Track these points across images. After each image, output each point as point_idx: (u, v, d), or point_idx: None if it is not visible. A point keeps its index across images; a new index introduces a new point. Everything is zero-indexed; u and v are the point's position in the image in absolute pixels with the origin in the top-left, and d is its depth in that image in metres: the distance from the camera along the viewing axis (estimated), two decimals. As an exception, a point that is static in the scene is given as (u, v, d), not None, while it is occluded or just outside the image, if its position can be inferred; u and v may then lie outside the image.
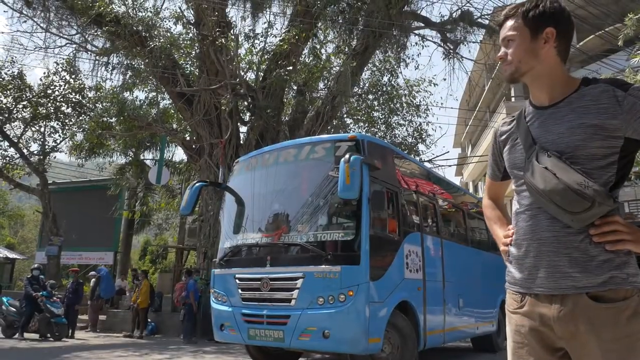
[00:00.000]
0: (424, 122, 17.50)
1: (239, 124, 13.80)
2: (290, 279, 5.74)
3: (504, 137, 1.81)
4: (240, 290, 6.09)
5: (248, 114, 14.63)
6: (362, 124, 17.30)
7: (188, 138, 15.27)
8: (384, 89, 16.09)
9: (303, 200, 6.19)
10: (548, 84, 1.66)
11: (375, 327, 5.50)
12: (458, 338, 8.72)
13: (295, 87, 14.79)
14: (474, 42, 15.13)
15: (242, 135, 14.09)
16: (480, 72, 22.25)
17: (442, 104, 41.04)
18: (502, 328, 9.19)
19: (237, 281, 6.14)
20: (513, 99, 23.23)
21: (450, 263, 7.63)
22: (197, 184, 7.02)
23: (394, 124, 17.16)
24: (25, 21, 14.11)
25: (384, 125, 17.02)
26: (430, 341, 6.70)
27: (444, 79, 42.43)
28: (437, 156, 38.68)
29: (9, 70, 17.92)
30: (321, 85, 15.32)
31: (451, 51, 14.83)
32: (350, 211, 5.86)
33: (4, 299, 11.99)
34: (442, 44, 14.90)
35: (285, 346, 5.78)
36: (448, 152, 39.74)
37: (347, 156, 5.37)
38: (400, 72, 15.94)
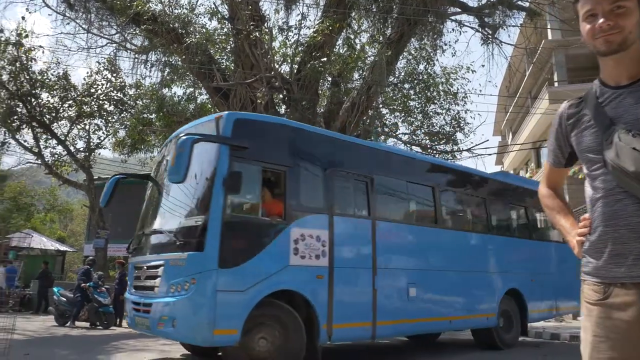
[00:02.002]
0: (462, 110, 17.09)
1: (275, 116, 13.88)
2: (154, 267, 5.74)
3: (571, 120, 1.73)
4: (133, 279, 6.38)
5: (283, 106, 14.68)
6: (398, 113, 17.11)
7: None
8: (420, 77, 15.83)
9: (175, 188, 5.96)
10: (633, 61, 1.59)
11: (228, 318, 5.13)
12: (406, 332, 8.04)
13: (330, 79, 14.74)
14: (513, 26, 14.62)
15: (278, 128, 14.16)
16: (520, 57, 21.52)
17: (480, 91, 39.89)
18: (512, 322, 8.74)
19: (132, 269, 6.43)
20: (556, 84, 22.38)
21: (394, 247, 7.06)
22: (113, 177, 7.02)
23: (431, 113, 16.88)
24: (68, 23, 14.61)
25: (420, 115, 16.76)
26: (343, 335, 6.30)
27: (483, 65, 41.19)
28: (476, 145, 37.79)
29: (55, 71, 18.66)
30: (356, 75, 15.21)
31: (490, 36, 14.39)
32: (204, 196, 5.51)
33: (56, 290, 12.60)
34: (480, 29, 14.47)
35: (153, 334, 5.86)
36: (487, 140, 38.69)
37: (177, 138, 5.26)
38: (437, 60, 15.65)
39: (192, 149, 5.26)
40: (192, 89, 16.17)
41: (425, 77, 15.75)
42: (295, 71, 13.02)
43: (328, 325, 5.93)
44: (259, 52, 12.24)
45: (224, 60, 15.28)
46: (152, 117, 16.88)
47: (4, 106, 18.10)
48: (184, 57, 13.14)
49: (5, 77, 17.52)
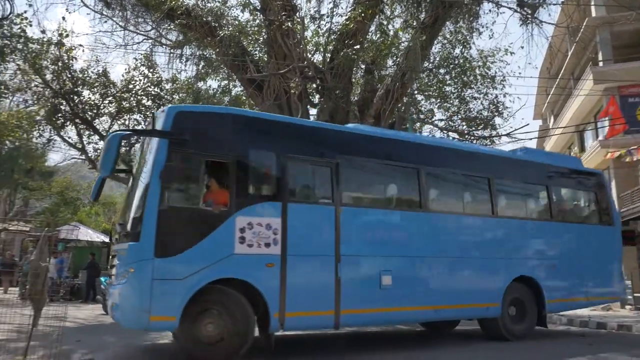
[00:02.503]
0: (500, 94, 16.62)
1: (308, 106, 13.87)
2: (114, 256, 6.28)
3: None
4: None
5: (317, 96, 14.64)
6: (433, 99, 16.79)
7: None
8: (456, 61, 15.44)
9: (134, 181, 6.29)
10: None
11: (165, 305, 5.30)
12: (380, 321, 7.73)
13: (363, 66, 14.59)
14: (554, 4, 14.06)
15: (312, 118, 14.17)
16: (562, 37, 20.67)
17: (519, 73, 38.68)
18: (526, 312, 8.16)
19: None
20: (601, 64, 21.39)
21: (364, 234, 6.80)
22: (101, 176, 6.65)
23: (467, 98, 16.49)
24: (105, 21, 14.96)
25: (457, 100, 16.39)
26: (298, 323, 6.28)
27: (522, 47, 39.95)
28: (515, 129, 36.66)
29: (94, 69, 19.21)
30: (390, 62, 15.00)
31: (529, 16, 13.85)
32: (144, 188, 5.63)
33: (103, 280, 13.09)
34: (518, 9, 13.95)
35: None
36: (528, 124, 37.45)
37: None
38: (473, 43, 15.20)
39: (120, 144, 5.77)
40: (226, 82, 16.34)
41: (461, 61, 15.36)
42: (328, 60, 12.94)
43: (280, 313, 5.95)
44: (291, 42, 12.22)
45: (257, 52, 15.35)
46: (188, 110, 17.14)
47: (48, 104, 18.80)
48: (217, 50, 13.27)
49: (49, 77, 18.17)
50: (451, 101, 16.53)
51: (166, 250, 5.45)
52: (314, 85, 13.76)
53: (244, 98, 17.44)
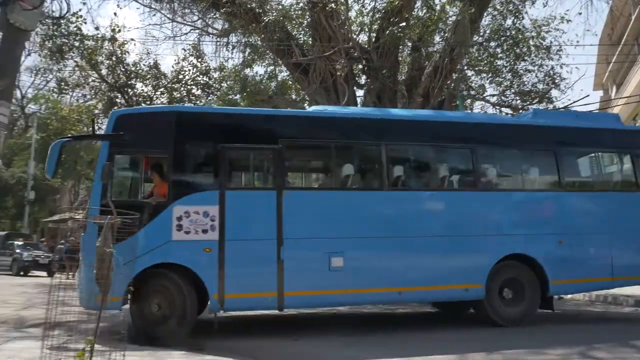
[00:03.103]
0: (556, 65, 15.75)
1: (355, 87, 13.74)
2: None
3: None
4: None
5: (363, 76, 14.46)
6: (484, 74, 16.16)
7: (307, 107, 15.63)
8: (508, 33, 14.74)
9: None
10: None
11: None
12: (331, 303, 7.56)
13: (410, 44, 14.26)
14: (615, -35, 13.09)
15: (359, 100, 14.03)
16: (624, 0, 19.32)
17: (577, 42, 36.52)
18: (524, 294, 7.33)
19: None
20: (668, 26, 19.86)
21: (308, 217, 6.79)
22: (56, 142, 6.60)
23: (521, 71, 15.74)
24: (154, 14, 15.38)
25: (509, 74, 15.70)
26: (239, 304, 6.46)
27: (579, 13, 37.57)
28: (574, 102, 34.93)
29: (146, 62, 19.82)
30: (437, 38, 14.57)
31: (587, -20, 13.02)
32: (93, 186, 6.39)
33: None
34: (575, -27, 13.13)
35: None
36: (587, 95, 35.40)
37: None
38: (526, 13, 14.38)
39: (61, 150, 6.32)
40: (272, 67, 16.42)
41: (513, 32, 14.65)
42: (373, 39, 12.74)
43: (219, 294, 6.26)
44: (335, 23, 12.10)
45: (301, 36, 15.31)
46: (236, 97, 17.42)
47: (105, 98, 19.62)
48: (262, 36, 13.34)
49: (104, 71, 18.93)
50: (503, 75, 15.85)
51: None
52: (360, 66, 13.60)
53: (290, 83, 17.49)
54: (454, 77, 14.31)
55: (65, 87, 20.70)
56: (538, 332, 7.07)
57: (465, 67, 15.49)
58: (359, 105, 13.41)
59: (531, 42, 15.03)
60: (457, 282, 7.15)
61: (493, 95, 16.76)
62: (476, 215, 7.49)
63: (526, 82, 15.95)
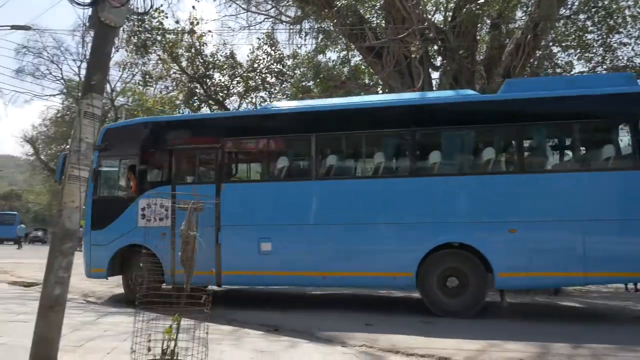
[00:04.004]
0: (657, 37, 14.28)
1: (430, 69, 13.33)
2: None
3: None
4: None
5: (439, 58, 13.99)
6: (572, 50, 15.03)
7: (380, 91, 15.42)
8: (600, 4, 13.57)
9: None
10: None
11: (97, 262, 8.18)
12: (263, 283, 8.17)
13: (488, 22, 13.56)
14: None
15: (434, 82, 13.61)
16: None
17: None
18: (467, 285, 6.85)
19: None
20: None
21: (241, 206, 7.70)
22: (62, 154, 8.95)
23: (614, 45, 14.45)
24: (230, 5, 15.82)
25: (601, 48, 14.47)
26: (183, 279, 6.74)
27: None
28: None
29: (223, 52, 20.48)
30: (519, 13, 13.75)
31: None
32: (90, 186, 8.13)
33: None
34: None
35: None
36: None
37: None
38: (621, -20, 13.13)
39: (65, 160, 7.67)
40: (345, 52, 16.33)
41: (606, 2, 13.46)
42: (449, 19, 12.25)
43: (172, 271, 7.19)
44: (410, 3, 11.74)
45: (374, 18, 15.06)
46: (309, 84, 17.55)
47: (185, 89, 20.56)
48: (335, 21, 13.27)
49: (184, 63, 19.80)
50: (594, 50, 14.66)
51: (97, 226, 8.31)
52: (436, 47, 13.15)
53: (364, 67, 17.32)
54: (538, 55, 13.45)
55: (150, 80, 21.93)
56: (618, 330, 6.55)
57: (551, 43, 14.49)
58: (434, 88, 13.02)
59: (627, 12, 13.73)
60: (384, 269, 7.16)
61: (582, 72, 15.58)
62: (406, 203, 7.25)
63: (621, 57, 14.64)
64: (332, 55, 36.68)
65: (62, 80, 37.13)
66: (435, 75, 13.92)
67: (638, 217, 6.54)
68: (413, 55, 12.30)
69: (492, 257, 6.82)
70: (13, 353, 3.92)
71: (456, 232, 7.07)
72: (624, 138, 7.04)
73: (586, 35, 14.16)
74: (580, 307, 8.62)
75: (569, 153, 7.60)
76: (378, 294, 10.12)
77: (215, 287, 8.40)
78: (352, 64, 17.43)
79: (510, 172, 7.30)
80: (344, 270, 7.30)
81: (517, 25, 13.26)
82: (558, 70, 15.20)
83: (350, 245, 7.32)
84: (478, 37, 13.69)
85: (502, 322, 6.86)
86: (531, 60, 12.88)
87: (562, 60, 15.59)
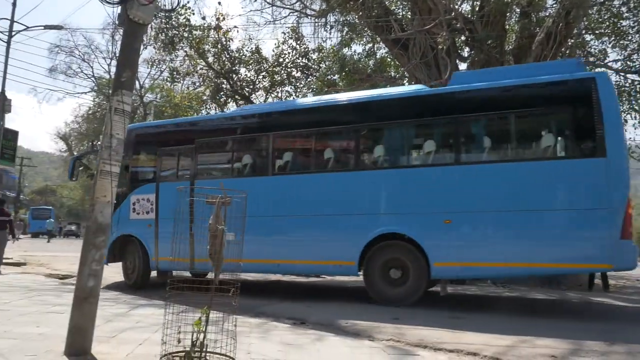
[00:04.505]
0: (697, 22, 13.67)
1: (457, 61, 13.11)
2: None
3: None
4: None
5: (467, 49, 13.74)
6: (606, 38, 14.54)
7: (407, 84, 15.24)
8: (636, -12, 13.07)
9: None
10: None
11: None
12: (229, 269, 8.07)
13: (518, 10, 13.23)
14: None
15: (461, 73, 13.38)
16: None
17: None
18: (409, 276, 7.05)
19: None
20: None
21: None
22: (72, 158, 10.90)
23: (651, 31, 13.91)
24: (255, 0, 15.84)
25: (637, 35, 13.96)
26: (167, 265, 8.76)
27: None
28: None
29: (248, 48, 20.60)
30: (550, 1, 13.35)
31: None
32: None
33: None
34: None
35: None
36: None
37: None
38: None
39: (75, 163, 10.43)
40: (370, 45, 16.19)
41: (642, -13, 12.96)
42: (477, 8, 12.01)
43: (156, 257, 8.87)
44: (436, -6, 11.57)
45: (400, 10, 14.88)
46: (335, 78, 17.48)
47: (212, 85, 20.77)
48: (360, 13, 13.18)
49: (210, 59, 20.00)
50: (629, 37, 14.14)
51: None
52: (463, 38, 12.92)
53: (389, 60, 17.15)
54: (570, 43, 13.06)
55: (177, 76, 22.24)
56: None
57: (584, 31, 14.04)
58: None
59: (665, -3, 13.19)
60: (331, 258, 7.57)
61: (617, 61, 15.06)
62: (348, 196, 7.60)
63: (658, 44, 14.08)
64: (357, 48, 36.35)
65: (93, 78, 38.07)
66: (462, 66, 13.69)
67: (576, 207, 6.40)
68: (440, 47, 12.12)
69: (428, 247, 7.01)
70: (50, 342, 4.06)
71: (394, 224, 7.30)
72: (561, 127, 6.97)
73: (621, 21, 13.69)
74: (616, 303, 8.39)
75: (505, 144, 7.43)
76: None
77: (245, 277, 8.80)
78: (377, 56, 17.29)
79: (445, 164, 7.36)
80: (295, 258, 7.93)
81: (548, 13, 12.90)
82: (591, 59, 14.72)
83: (300, 235, 7.94)
84: (507, 27, 13.39)
85: (533, 318, 6.73)
86: (563, 49, 12.52)
87: (595, 49, 15.12)
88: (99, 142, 4.46)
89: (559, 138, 6.82)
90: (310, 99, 10.83)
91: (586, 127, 6.52)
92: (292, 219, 7.97)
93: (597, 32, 14.42)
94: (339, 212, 7.62)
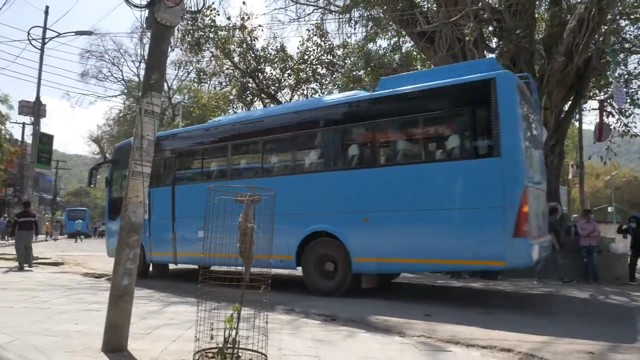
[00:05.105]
0: None
1: (485, 52, 12.85)
2: None
3: None
4: None
5: (495, 39, 13.47)
6: (642, 23, 13.97)
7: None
8: (673, -30, 12.54)
9: None
10: None
11: (112, 246, 10.03)
12: (202, 262, 8.76)
13: (548, -2, 12.87)
14: None
15: (490, 65, 13.11)
16: None
17: None
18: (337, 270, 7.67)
19: None
20: None
21: (187, 203, 9.73)
22: (90, 168, 12.58)
23: (690, 14, 13.32)
24: (279, -2, 15.87)
25: (675, 19, 13.37)
26: (158, 259, 10.52)
27: None
28: None
29: (273, 46, 20.69)
30: (582, -14, 12.92)
31: None
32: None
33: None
34: None
35: None
36: None
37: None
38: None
39: (92, 171, 12.02)
40: (396, 39, 16.03)
41: (680, -31, 12.42)
42: (505, -3, 11.71)
43: (150, 252, 10.37)
44: (462, -16, 11.36)
45: (425, 3, 14.67)
46: (360, 73, 17.39)
47: (238, 84, 20.97)
48: (385, 7, 13.06)
49: (236, 59, 20.18)
50: (667, 21, 13.57)
51: (111, 218, 11.33)
52: (491, 28, 12.66)
53: (415, 53, 16.95)
54: (604, 30, 12.63)
55: (204, 77, 22.52)
56: None
57: (618, 17, 13.55)
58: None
59: None
60: (275, 253, 7.56)
61: (653, 47, 14.47)
62: (288, 197, 7.74)
63: (698, 27, 13.48)
64: (382, 42, 36.23)
65: (122, 81, 38.94)
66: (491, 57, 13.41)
67: (472, 206, 6.58)
68: (467, 38, 11.91)
69: (349, 243, 7.64)
70: (88, 340, 4.18)
71: (323, 222, 7.97)
72: (463, 128, 7.05)
73: (658, 5, 13.14)
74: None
75: (415, 147, 7.66)
76: (436, 284, 9.98)
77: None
78: (403, 50, 17.10)
79: (361, 167, 7.86)
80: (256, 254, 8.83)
81: (579, 0, 12.51)
82: (627, 46, 14.21)
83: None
84: (537, 15, 13.03)
85: (567, 315, 6.58)
86: (596, 36, 12.12)
87: (630, 34, 14.57)
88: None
89: (461, 139, 7.01)
90: (259, 111, 12.40)
91: (484, 128, 6.75)
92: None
93: (632, 17, 13.88)
94: (280, 212, 8.14)
